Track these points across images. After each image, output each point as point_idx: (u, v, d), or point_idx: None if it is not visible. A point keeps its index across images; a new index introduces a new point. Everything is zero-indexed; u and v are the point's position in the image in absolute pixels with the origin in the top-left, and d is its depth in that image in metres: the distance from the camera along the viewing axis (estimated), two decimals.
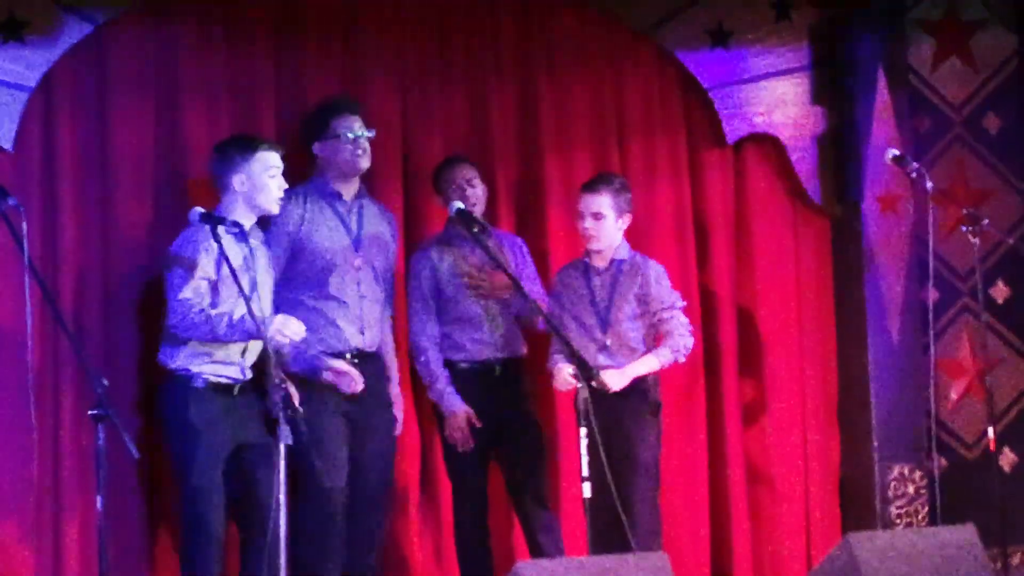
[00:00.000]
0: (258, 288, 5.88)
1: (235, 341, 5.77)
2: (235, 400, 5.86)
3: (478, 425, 6.36)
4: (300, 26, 6.63)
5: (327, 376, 6.07)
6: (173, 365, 5.84)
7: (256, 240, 5.99)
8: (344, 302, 6.17)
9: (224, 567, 5.96)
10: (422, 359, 6.42)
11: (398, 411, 6.38)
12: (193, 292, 5.74)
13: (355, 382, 6.07)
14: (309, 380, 6.06)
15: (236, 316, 5.69)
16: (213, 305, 5.77)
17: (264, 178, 5.89)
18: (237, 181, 5.89)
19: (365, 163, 6.25)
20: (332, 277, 6.17)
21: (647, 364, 6.36)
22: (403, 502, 6.65)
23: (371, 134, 6.25)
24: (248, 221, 5.92)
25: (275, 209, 5.96)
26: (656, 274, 6.44)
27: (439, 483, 6.69)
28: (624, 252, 6.47)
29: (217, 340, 5.76)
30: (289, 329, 5.68)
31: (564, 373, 6.06)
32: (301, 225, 6.16)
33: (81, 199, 6.23)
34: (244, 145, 5.96)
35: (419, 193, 6.69)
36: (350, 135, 6.19)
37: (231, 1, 6.52)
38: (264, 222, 6.07)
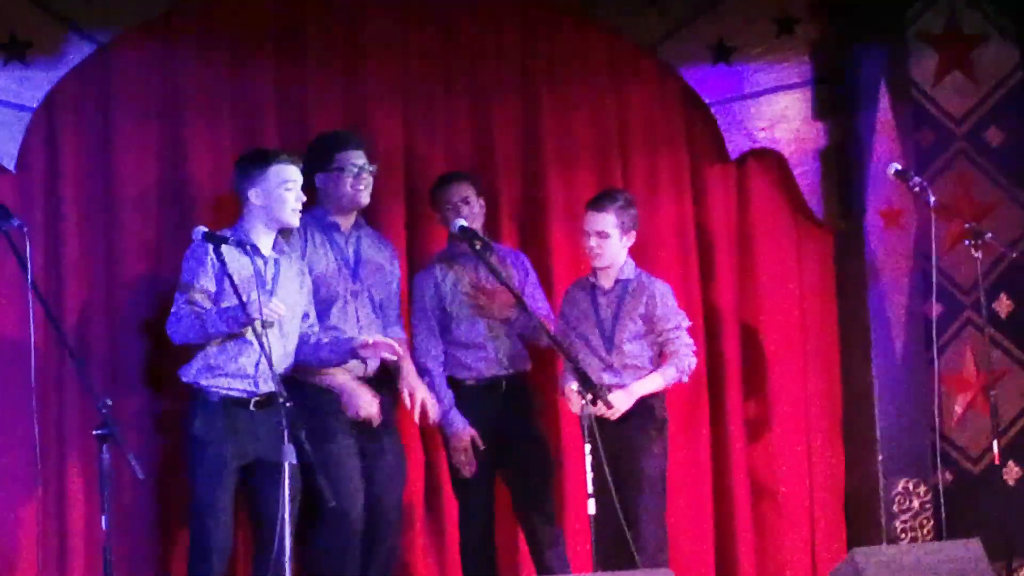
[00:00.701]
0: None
1: (227, 331, 5.71)
2: (251, 415, 5.82)
3: (482, 447, 6.36)
4: (302, 45, 6.64)
5: (364, 353, 5.96)
6: (187, 379, 5.86)
7: (282, 255, 5.97)
8: (339, 330, 6.16)
9: None
10: (426, 380, 6.39)
11: (426, 403, 6.26)
12: (187, 302, 5.76)
13: (393, 348, 5.93)
14: (325, 400, 6.04)
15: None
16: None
17: (280, 191, 5.89)
18: (253, 195, 5.90)
19: (366, 198, 6.24)
20: (333, 308, 6.17)
21: (652, 383, 6.36)
22: (408, 520, 6.63)
23: (374, 168, 6.25)
24: (268, 235, 5.93)
25: (294, 221, 5.93)
26: (662, 294, 6.44)
27: (444, 501, 6.68)
28: (630, 271, 6.47)
29: (210, 336, 5.74)
30: (268, 307, 5.61)
31: (574, 393, 6.01)
32: (303, 256, 6.15)
33: (84, 218, 6.24)
34: (260, 159, 5.96)
35: (422, 211, 6.69)
36: (353, 169, 6.19)
37: (233, 20, 6.53)
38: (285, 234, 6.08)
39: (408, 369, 6.30)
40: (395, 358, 6.01)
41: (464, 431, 6.35)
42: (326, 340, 6.02)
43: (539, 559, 6.46)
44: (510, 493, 6.54)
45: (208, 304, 5.77)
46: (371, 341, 5.95)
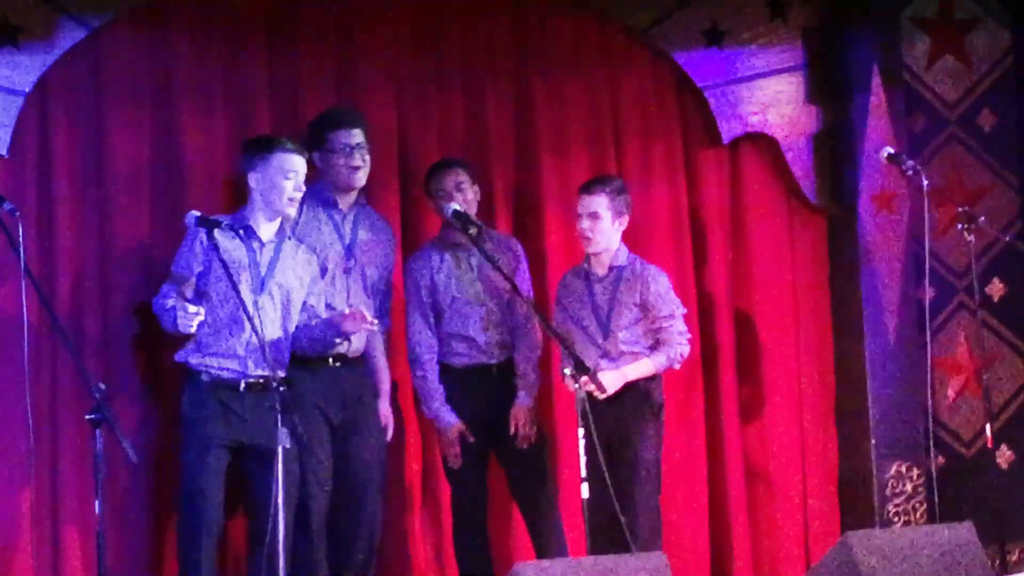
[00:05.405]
0: (269, 289, 5.86)
1: (171, 330, 5.76)
2: (242, 397, 5.82)
3: (471, 440, 6.34)
4: (295, 31, 6.63)
5: (346, 326, 5.85)
6: (179, 359, 5.88)
7: (287, 241, 5.98)
8: (331, 307, 6.15)
9: (229, 564, 6.03)
10: (419, 373, 6.40)
11: (388, 428, 6.32)
12: (174, 293, 5.80)
13: (365, 316, 5.83)
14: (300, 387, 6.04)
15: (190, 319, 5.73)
16: (195, 301, 5.79)
17: (278, 179, 5.87)
18: (253, 179, 5.91)
19: (359, 180, 6.22)
20: (322, 281, 6.15)
21: (642, 367, 6.36)
22: (405, 502, 6.65)
23: (366, 146, 6.22)
24: (268, 222, 5.93)
25: (290, 212, 5.93)
26: (656, 281, 6.43)
27: (440, 483, 6.68)
28: (623, 258, 6.47)
29: (170, 328, 5.80)
30: (186, 314, 5.68)
31: (568, 377, 5.97)
32: (295, 227, 6.15)
33: (77, 203, 6.23)
34: (263, 144, 5.96)
35: (417, 197, 6.68)
36: (345, 149, 6.17)
37: (226, 6, 6.52)
38: None
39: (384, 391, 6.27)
40: (373, 327, 5.91)
41: (453, 426, 6.34)
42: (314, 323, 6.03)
43: (538, 542, 6.44)
44: (506, 476, 6.54)
45: (190, 292, 5.79)
46: (346, 312, 5.90)
